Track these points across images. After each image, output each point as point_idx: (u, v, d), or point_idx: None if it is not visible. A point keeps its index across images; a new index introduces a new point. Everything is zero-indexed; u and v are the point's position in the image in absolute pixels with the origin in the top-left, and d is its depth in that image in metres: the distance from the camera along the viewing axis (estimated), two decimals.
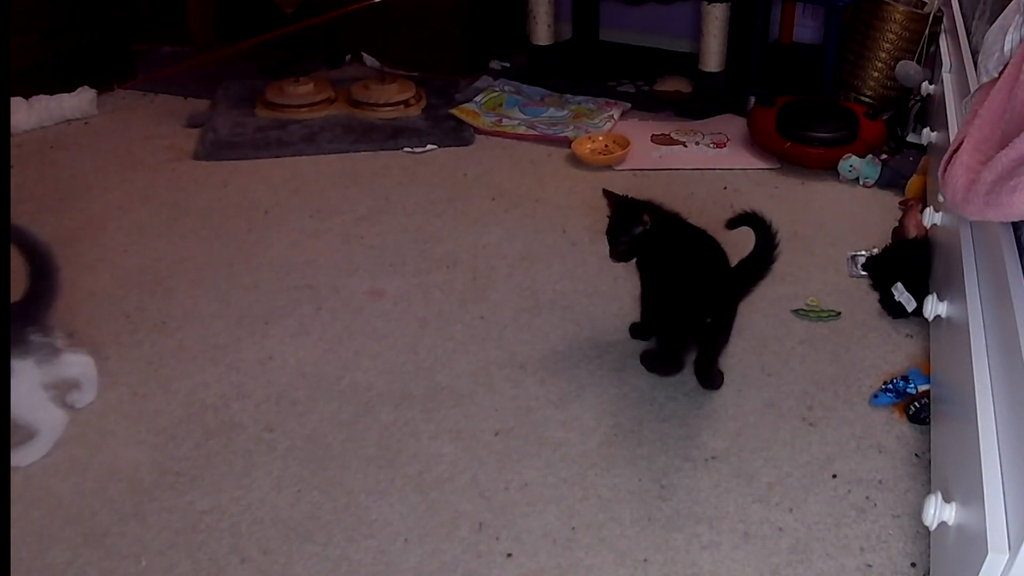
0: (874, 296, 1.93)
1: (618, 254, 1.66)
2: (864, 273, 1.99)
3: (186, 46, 3.45)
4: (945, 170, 1.45)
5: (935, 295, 1.64)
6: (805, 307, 1.89)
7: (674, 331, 1.66)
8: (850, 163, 2.41)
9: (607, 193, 1.69)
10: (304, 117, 2.81)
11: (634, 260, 1.69)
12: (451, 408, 1.63)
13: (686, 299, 1.59)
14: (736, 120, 2.79)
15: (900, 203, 2.29)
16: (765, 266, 1.58)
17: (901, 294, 1.83)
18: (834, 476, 1.47)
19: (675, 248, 1.63)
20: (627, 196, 1.69)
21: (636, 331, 1.81)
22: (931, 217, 1.87)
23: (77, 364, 1.62)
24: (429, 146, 2.67)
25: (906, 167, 2.38)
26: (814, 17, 3.18)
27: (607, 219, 1.67)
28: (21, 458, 1.50)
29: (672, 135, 2.71)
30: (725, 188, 2.41)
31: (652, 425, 1.58)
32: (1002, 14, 1.78)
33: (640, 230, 1.63)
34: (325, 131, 2.73)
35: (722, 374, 1.68)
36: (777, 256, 1.57)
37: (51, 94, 2.81)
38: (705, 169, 2.53)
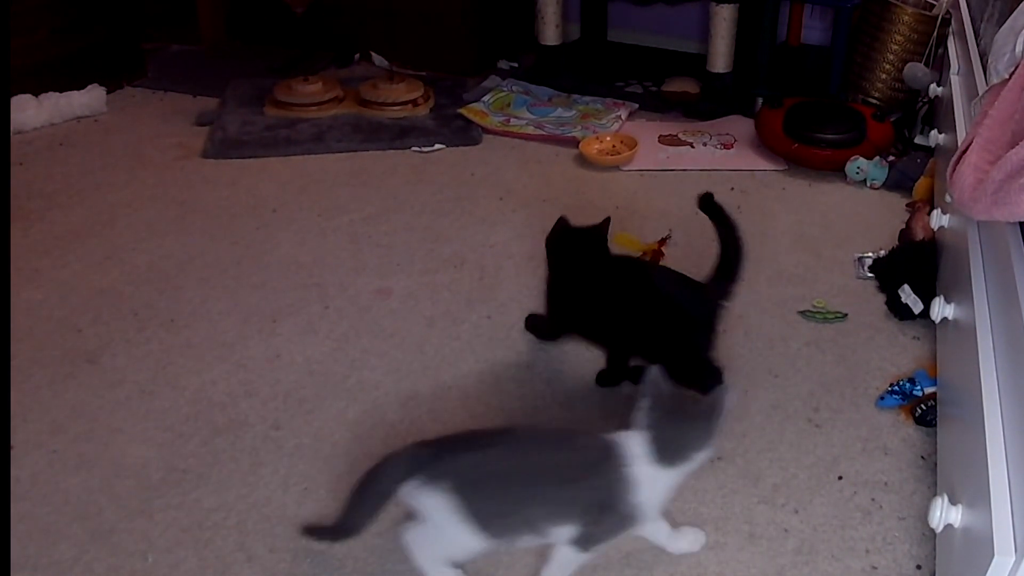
0: (881, 298, 1.92)
1: None
2: (871, 275, 1.99)
3: (195, 44, 3.46)
4: (954, 170, 1.45)
5: (942, 297, 1.64)
6: (812, 308, 1.89)
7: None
8: (857, 165, 2.41)
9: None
10: (313, 116, 2.82)
11: None
12: (458, 407, 1.63)
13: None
14: (743, 121, 2.78)
15: (907, 205, 2.29)
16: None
17: (908, 296, 1.83)
18: (840, 478, 1.47)
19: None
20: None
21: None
22: (938, 219, 1.87)
23: None
24: (437, 145, 2.67)
25: (913, 169, 2.37)
26: (822, 18, 3.18)
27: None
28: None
29: (679, 136, 2.71)
30: (732, 189, 2.41)
31: None
32: (1012, 15, 1.78)
33: None
34: (333, 130, 2.74)
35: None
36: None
37: (61, 91, 2.82)
38: (712, 170, 2.53)
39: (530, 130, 2.73)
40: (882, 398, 1.63)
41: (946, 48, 2.56)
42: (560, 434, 1.21)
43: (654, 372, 1.16)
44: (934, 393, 1.60)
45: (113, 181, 2.47)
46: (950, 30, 2.61)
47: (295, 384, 1.70)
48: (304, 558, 1.33)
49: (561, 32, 3.06)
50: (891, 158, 2.45)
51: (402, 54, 3.22)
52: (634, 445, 1.15)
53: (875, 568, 1.31)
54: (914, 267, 1.89)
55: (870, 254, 2.06)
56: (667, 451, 1.14)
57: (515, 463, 1.15)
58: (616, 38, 3.43)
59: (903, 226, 2.14)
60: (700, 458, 1.16)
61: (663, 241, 2.10)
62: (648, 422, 1.15)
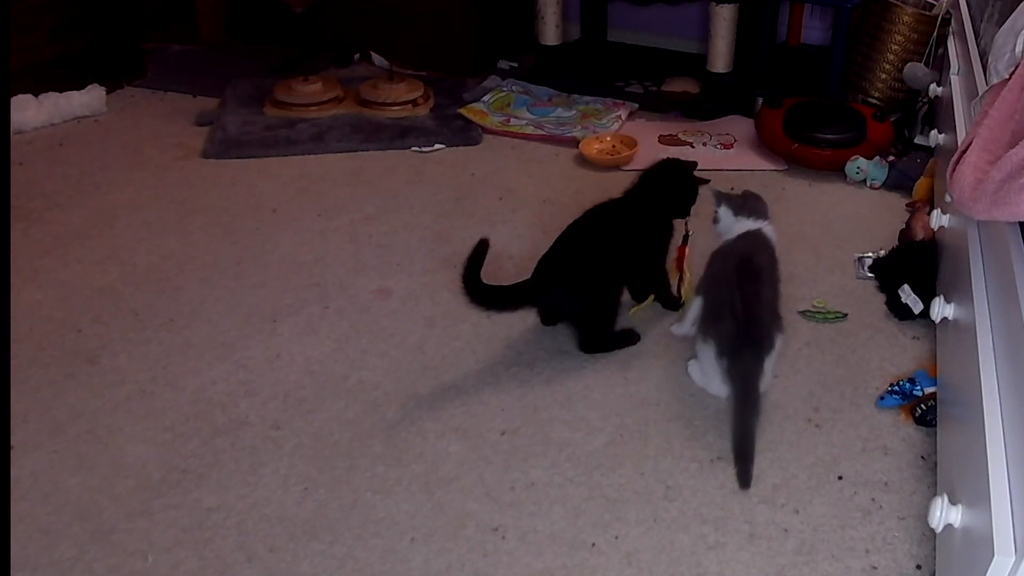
0: (881, 298, 1.92)
1: None
2: (871, 275, 1.99)
3: (195, 44, 3.46)
4: (954, 170, 1.45)
5: (942, 297, 1.64)
6: (812, 308, 1.89)
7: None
8: (857, 165, 2.41)
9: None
10: (313, 116, 2.82)
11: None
12: (457, 407, 1.63)
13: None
14: (743, 121, 2.78)
15: (907, 205, 2.29)
16: None
17: (908, 296, 1.83)
18: (840, 478, 1.47)
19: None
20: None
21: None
22: (938, 219, 1.87)
23: None
24: (437, 145, 2.67)
25: (913, 169, 2.37)
26: (822, 19, 3.18)
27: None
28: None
29: (679, 136, 2.71)
30: (732, 189, 2.40)
31: (658, 426, 1.58)
32: (1012, 15, 1.78)
33: None
34: (333, 130, 2.74)
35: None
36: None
37: (61, 91, 2.82)
38: (712, 170, 2.51)
39: (530, 130, 2.73)
40: (882, 398, 1.63)
41: (946, 48, 2.56)
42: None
43: (716, 192, 1.81)
44: (934, 393, 1.60)
45: (113, 181, 2.47)
46: (950, 30, 2.61)
47: (295, 384, 1.70)
48: (303, 558, 1.33)
49: (561, 32, 3.06)
50: (891, 158, 2.45)
51: (402, 54, 3.22)
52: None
53: (875, 568, 1.31)
54: (914, 267, 1.89)
55: (870, 254, 2.06)
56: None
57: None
58: (616, 38, 3.42)
59: (903, 226, 2.14)
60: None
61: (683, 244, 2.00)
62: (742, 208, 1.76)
